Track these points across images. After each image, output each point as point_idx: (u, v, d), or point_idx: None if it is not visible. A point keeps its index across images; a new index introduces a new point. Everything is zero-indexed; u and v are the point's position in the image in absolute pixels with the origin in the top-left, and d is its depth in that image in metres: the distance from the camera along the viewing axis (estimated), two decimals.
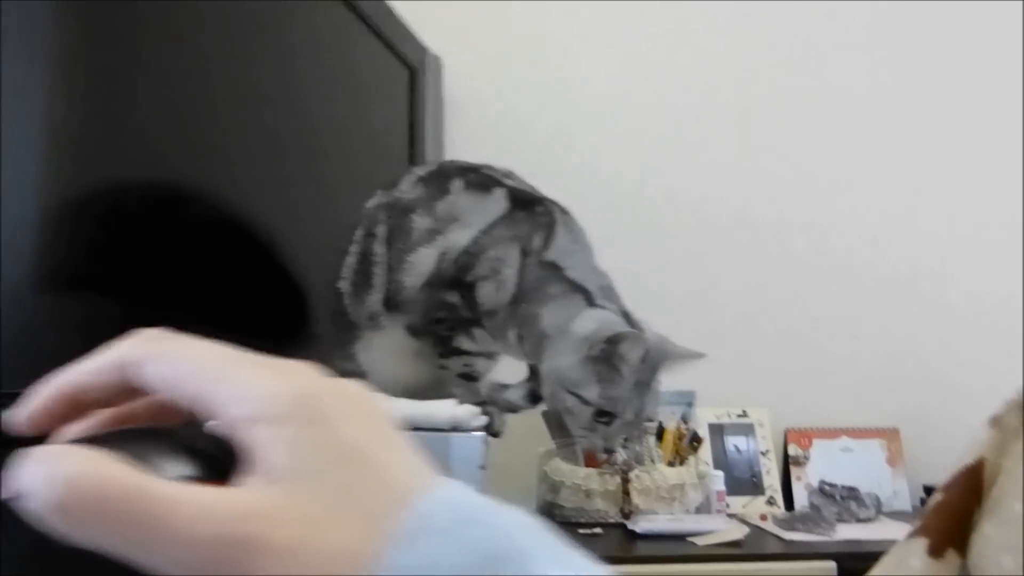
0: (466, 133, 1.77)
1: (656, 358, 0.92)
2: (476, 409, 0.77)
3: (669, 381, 1.62)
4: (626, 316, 0.92)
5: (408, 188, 0.95)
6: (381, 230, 0.93)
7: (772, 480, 1.61)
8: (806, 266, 1.77)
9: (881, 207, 1.80)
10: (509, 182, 0.98)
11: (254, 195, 1.02)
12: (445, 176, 0.96)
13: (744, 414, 1.66)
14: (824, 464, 1.60)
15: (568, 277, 0.90)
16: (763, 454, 1.63)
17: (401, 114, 1.52)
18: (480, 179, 0.96)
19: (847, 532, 1.36)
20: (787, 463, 1.64)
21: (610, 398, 0.86)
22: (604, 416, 0.87)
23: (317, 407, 0.28)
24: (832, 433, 1.65)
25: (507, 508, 0.28)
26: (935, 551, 0.80)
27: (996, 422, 0.83)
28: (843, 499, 1.43)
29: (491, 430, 0.90)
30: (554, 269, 0.90)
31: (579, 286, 0.90)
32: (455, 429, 0.75)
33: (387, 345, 0.94)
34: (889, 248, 1.78)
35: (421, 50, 1.56)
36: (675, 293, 1.75)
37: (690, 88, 1.81)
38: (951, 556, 0.80)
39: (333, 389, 0.29)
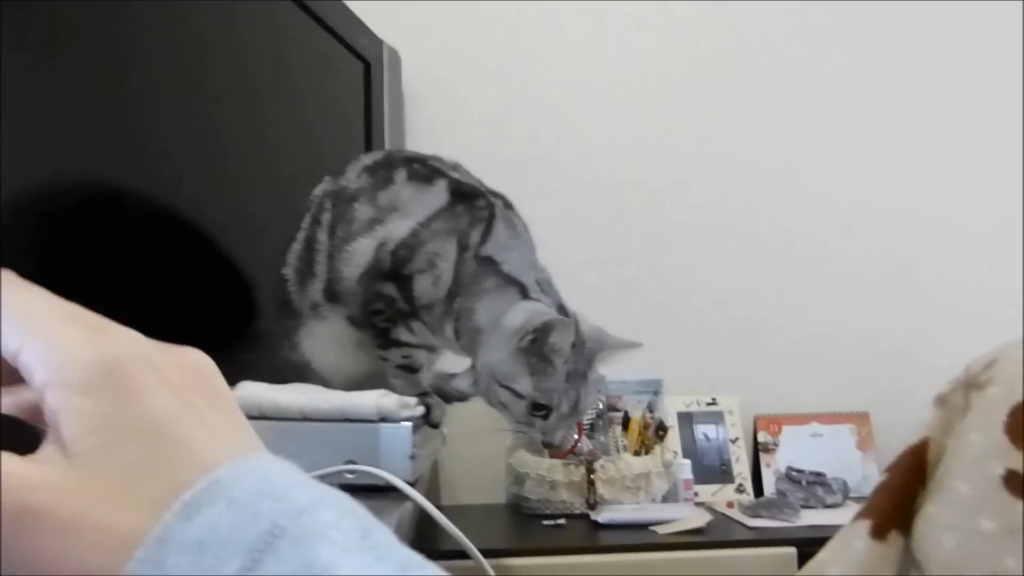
0: (426, 125, 1.76)
1: (590, 348, 0.90)
2: (406, 400, 0.76)
3: (636, 370, 1.62)
4: (560, 308, 0.90)
5: (354, 177, 0.94)
6: (326, 218, 0.92)
7: (742, 467, 1.60)
8: (775, 254, 1.76)
9: (850, 194, 1.79)
10: (454, 174, 0.96)
11: (209, 193, 1.01)
12: (390, 166, 0.95)
13: (714, 402, 1.65)
14: (793, 450, 1.59)
15: (504, 271, 0.89)
16: (733, 442, 1.62)
17: (357, 108, 1.50)
18: (424, 170, 0.95)
19: (812, 518, 1.35)
20: (757, 450, 1.62)
21: (544, 390, 0.85)
22: (540, 409, 0.86)
23: (122, 376, 0.27)
24: (802, 419, 1.64)
25: (322, 487, 0.27)
26: (878, 533, 0.79)
27: (942, 401, 0.82)
28: (809, 484, 1.41)
29: (430, 421, 0.89)
30: (490, 264, 0.89)
31: (514, 280, 0.89)
32: (383, 419, 0.73)
33: (329, 335, 0.93)
34: (858, 234, 1.78)
35: (377, 43, 1.55)
36: (643, 282, 1.74)
37: (653, 76, 1.79)
38: (894, 537, 0.78)
39: (147, 358, 0.28)
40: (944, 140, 1.81)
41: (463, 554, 0.94)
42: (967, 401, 0.79)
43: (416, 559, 0.26)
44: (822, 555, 0.83)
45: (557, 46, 1.79)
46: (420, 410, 0.81)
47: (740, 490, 1.57)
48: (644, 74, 1.79)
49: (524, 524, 1.39)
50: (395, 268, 0.88)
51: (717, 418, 1.64)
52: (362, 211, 0.90)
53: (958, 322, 1.72)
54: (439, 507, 1.66)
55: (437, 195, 0.92)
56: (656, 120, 1.78)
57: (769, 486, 1.56)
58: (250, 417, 0.78)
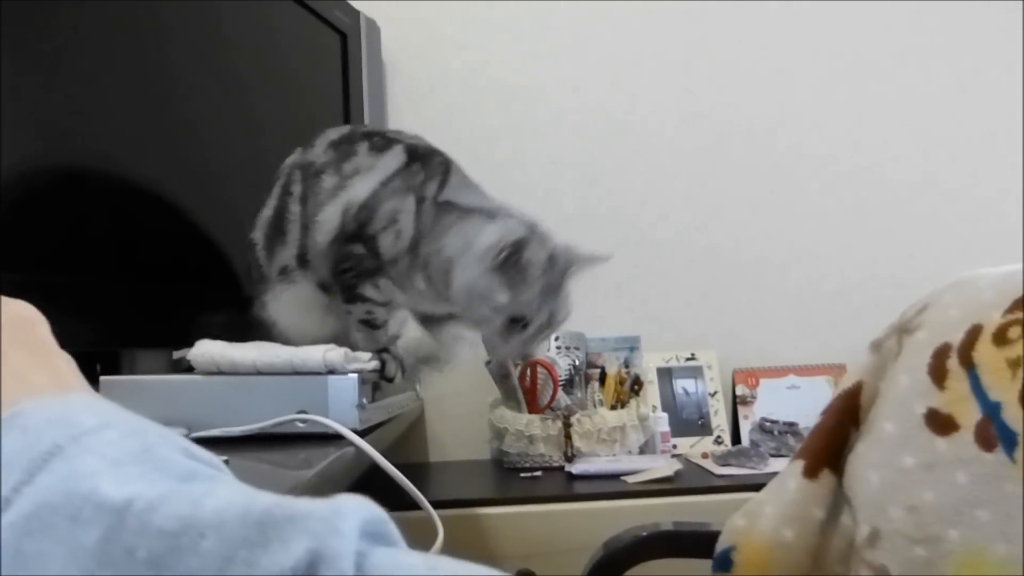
0: (407, 94, 1.78)
1: (564, 261, 0.94)
2: (353, 354, 0.79)
3: (615, 328, 1.66)
4: (531, 226, 0.94)
5: (320, 152, 0.98)
6: (296, 189, 0.96)
7: (720, 420, 1.63)
8: (750, 207, 1.78)
9: (825, 146, 1.80)
10: (411, 141, 1.00)
11: (187, 165, 1.05)
12: (351, 140, 0.99)
13: (693, 357, 1.68)
14: (770, 402, 1.62)
15: (464, 205, 0.93)
16: (711, 395, 1.65)
17: (335, 79, 1.52)
18: (382, 141, 0.98)
19: (781, 466, 1.37)
20: (735, 403, 1.66)
21: (521, 302, 0.89)
22: (517, 322, 0.90)
23: None
24: (779, 372, 1.66)
25: (126, 416, 0.29)
26: (810, 472, 0.82)
27: (877, 346, 0.85)
28: (781, 434, 1.45)
29: (385, 375, 0.92)
30: (449, 205, 0.92)
31: (475, 208, 0.93)
32: (331, 372, 0.77)
33: (297, 299, 0.96)
34: (834, 185, 1.79)
35: (353, 14, 1.57)
36: (621, 240, 1.76)
37: (638, 26, 1.80)
38: (825, 476, 0.82)
39: None
40: (924, 90, 1.81)
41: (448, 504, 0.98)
42: (900, 346, 0.82)
43: (204, 471, 0.28)
44: (761, 494, 0.86)
45: (535, 10, 1.80)
46: (369, 363, 0.84)
47: (718, 442, 1.61)
48: (632, 29, 1.80)
49: (504, 477, 1.43)
50: (359, 228, 0.91)
51: (696, 373, 1.67)
52: (328, 181, 0.94)
53: (935, 275, 1.73)
54: (426, 464, 1.71)
55: (394, 157, 0.95)
56: (639, 71, 1.79)
57: (747, 438, 1.59)
58: (206, 372, 0.81)
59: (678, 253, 1.77)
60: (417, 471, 1.55)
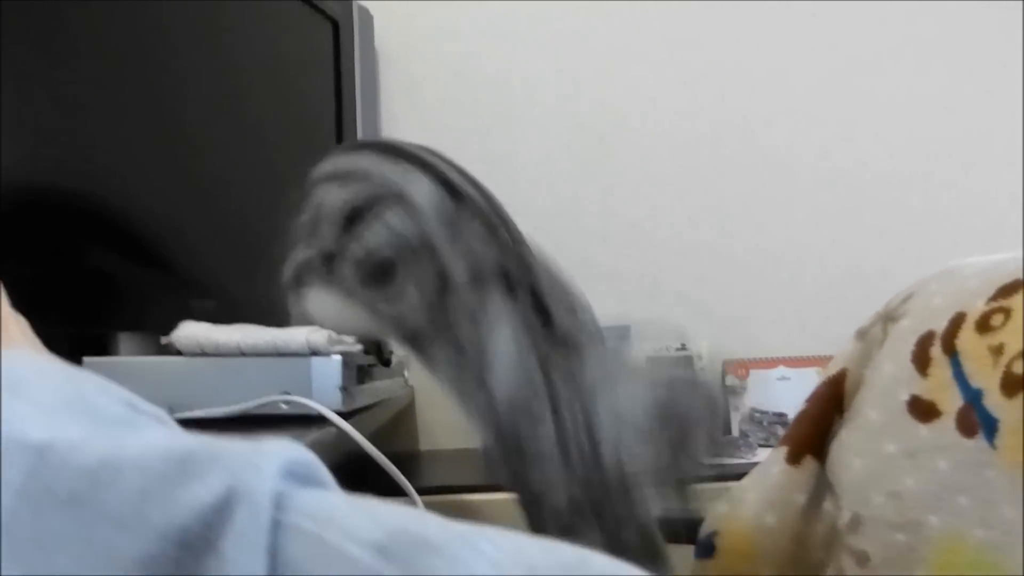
0: (401, 85, 1.77)
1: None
2: (336, 336, 0.79)
3: (605, 318, 1.65)
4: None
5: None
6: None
7: None
8: (743, 197, 1.78)
9: (818, 139, 1.80)
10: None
11: (174, 149, 1.04)
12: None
13: (683, 347, 1.68)
14: (760, 393, 1.62)
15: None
16: None
17: (327, 69, 1.52)
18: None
19: None
20: (725, 394, 1.66)
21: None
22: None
23: None
24: (769, 363, 1.67)
25: (66, 373, 0.30)
26: (792, 458, 0.83)
27: (862, 334, 0.85)
28: (770, 425, 1.45)
29: (382, 359, 0.92)
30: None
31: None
32: (314, 353, 0.77)
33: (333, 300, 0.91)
34: (826, 176, 1.79)
35: (346, 3, 1.56)
36: (613, 229, 1.77)
37: (633, 19, 1.80)
38: (808, 462, 0.82)
39: None
40: (916, 80, 1.81)
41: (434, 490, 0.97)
42: (884, 334, 0.82)
43: (143, 420, 0.28)
44: (744, 481, 0.87)
45: (531, 1, 1.79)
46: (354, 346, 0.84)
47: None
48: (622, 14, 1.79)
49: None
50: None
51: (687, 363, 1.67)
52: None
53: (926, 268, 1.73)
54: (417, 452, 1.71)
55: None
56: (630, 63, 1.79)
57: (736, 428, 1.59)
58: (190, 354, 0.81)
59: (670, 244, 1.77)
60: (408, 459, 1.55)
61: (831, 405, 0.82)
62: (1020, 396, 0.63)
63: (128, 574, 0.21)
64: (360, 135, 1.58)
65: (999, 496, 0.64)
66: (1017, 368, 0.65)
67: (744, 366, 1.67)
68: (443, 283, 0.67)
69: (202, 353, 0.79)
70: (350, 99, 1.57)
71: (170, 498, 0.22)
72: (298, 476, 0.25)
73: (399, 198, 0.69)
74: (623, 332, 1.62)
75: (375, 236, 0.69)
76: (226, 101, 1.15)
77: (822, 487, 0.81)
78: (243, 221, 1.19)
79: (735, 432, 1.58)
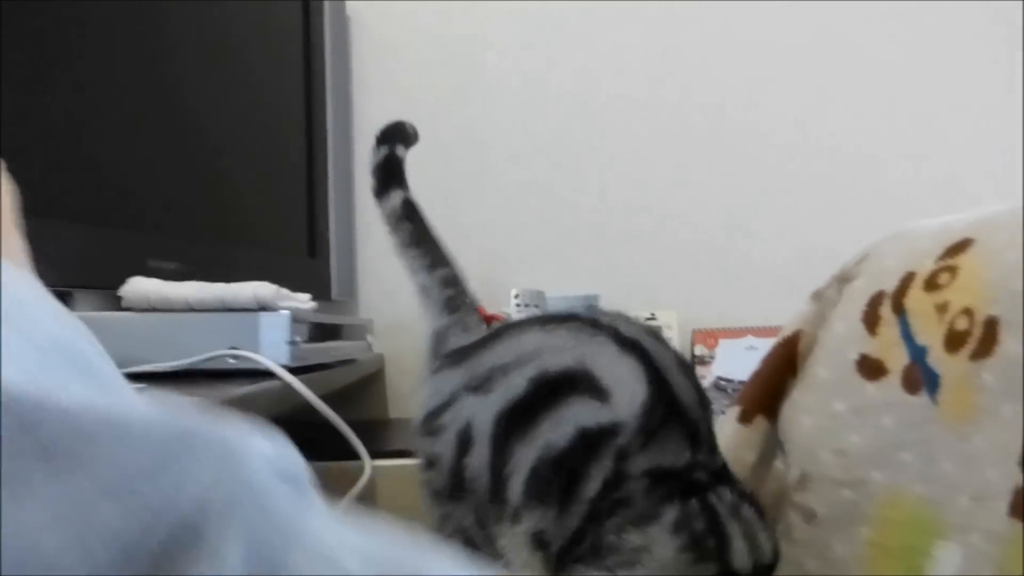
0: (372, 52, 1.76)
1: None
2: (285, 292, 0.78)
3: (575, 286, 1.66)
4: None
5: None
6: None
7: None
8: (712, 168, 1.78)
9: (791, 110, 1.79)
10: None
11: (139, 109, 1.02)
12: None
13: (652, 317, 1.68)
14: (728, 362, 1.63)
15: None
16: None
17: (295, 33, 1.50)
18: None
19: None
20: (693, 362, 1.66)
21: None
22: None
23: None
24: (738, 332, 1.67)
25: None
26: (744, 417, 0.83)
27: (817, 296, 0.85)
28: (735, 392, 1.45)
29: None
30: None
31: None
32: (262, 308, 0.76)
33: None
34: (795, 149, 1.79)
35: None
36: (583, 199, 1.76)
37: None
38: (759, 422, 0.82)
39: None
40: (883, 58, 1.80)
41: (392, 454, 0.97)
42: (839, 295, 0.82)
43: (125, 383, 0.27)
44: None
45: None
46: (305, 302, 0.84)
47: None
48: None
49: None
50: None
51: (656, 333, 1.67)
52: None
53: None
54: (386, 420, 1.70)
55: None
56: (601, 35, 1.78)
57: None
58: (140, 309, 0.80)
59: (640, 214, 1.76)
60: (375, 425, 1.55)
61: (784, 366, 0.83)
62: (962, 352, 0.64)
63: (104, 545, 0.19)
64: (329, 102, 1.56)
65: (939, 451, 0.64)
66: (960, 324, 0.65)
67: (713, 336, 1.67)
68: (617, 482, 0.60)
69: (152, 308, 0.78)
70: (319, 65, 1.55)
71: (171, 478, 0.20)
72: (283, 474, 0.23)
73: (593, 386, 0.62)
74: (592, 301, 1.62)
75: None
76: (193, 66, 1.13)
77: (773, 446, 0.81)
78: (210, 185, 1.18)
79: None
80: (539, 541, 0.60)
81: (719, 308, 1.72)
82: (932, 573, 0.61)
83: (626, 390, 0.61)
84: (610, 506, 0.59)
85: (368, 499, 0.79)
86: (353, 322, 1.41)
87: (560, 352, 0.63)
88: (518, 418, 0.60)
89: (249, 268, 0.99)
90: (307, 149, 1.47)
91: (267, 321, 0.76)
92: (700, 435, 0.65)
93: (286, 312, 0.76)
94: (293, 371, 0.76)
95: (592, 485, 0.59)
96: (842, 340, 0.77)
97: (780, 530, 0.75)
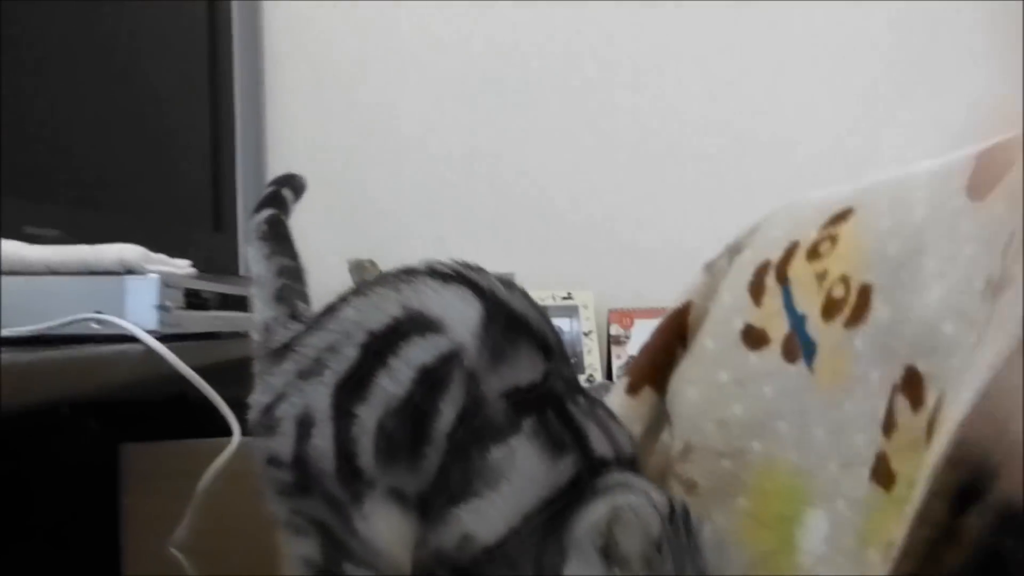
0: (286, 23, 1.70)
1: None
2: (152, 255, 0.75)
3: (490, 265, 1.64)
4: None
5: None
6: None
7: (593, 359, 1.64)
8: (632, 148, 1.77)
9: (701, 90, 1.79)
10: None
11: (22, 71, 0.96)
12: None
13: (569, 296, 1.68)
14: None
15: None
16: (586, 335, 1.65)
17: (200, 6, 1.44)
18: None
19: None
20: (609, 343, 1.66)
21: None
22: None
23: None
24: (653, 312, 1.67)
25: None
26: (632, 389, 0.82)
27: (709, 267, 0.84)
28: None
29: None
30: None
31: None
32: (129, 272, 0.73)
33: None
34: (710, 130, 1.79)
35: None
36: (499, 176, 1.74)
37: None
38: (646, 393, 0.81)
39: None
40: (795, 46, 1.82)
41: None
42: (729, 266, 0.81)
43: None
44: None
45: None
46: (182, 267, 0.80)
47: (590, 380, 1.61)
48: None
49: None
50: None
51: (571, 312, 1.67)
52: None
53: None
54: None
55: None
56: (517, 12, 1.76)
57: (615, 375, 1.60)
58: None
59: (557, 194, 1.75)
60: None
61: (673, 337, 0.82)
62: (837, 319, 0.63)
63: None
64: (237, 71, 1.51)
65: (813, 419, 0.64)
66: (837, 292, 0.64)
67: (629, 316, 1.67)
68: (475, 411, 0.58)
69: (10, 272, 0.74)
70: (225, 32, 1.50)
71: None
72: None
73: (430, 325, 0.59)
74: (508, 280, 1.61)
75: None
76: (85, 22, 1.08)
77: (660, 418, 0.80)
78: (99, 152, 1.13)
79: (615, 378, 1.59)
80: (399, 497, 0.58)
81: (635, 288, 1.72)
82: (801, 542, 0.61)
83: (457, 311, 0.59)
84: (471, 436, 0.57)
85: (240, 476, 0.76)
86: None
87: (380, 308, 0.61)
88: (355, 385, 0.58)
89: (142, 239, 0.94)
90: (212, 118, 1.42)
91: (134, 285, 0.73)
92: (549, 343, 0.63)
93: (154, 276, 0.73)
94: (168, 339, 0.72)
95: (445, 420, 0.57)
96: (729, 310, 0.76)
97: None
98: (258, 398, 0.62)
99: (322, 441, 0.58)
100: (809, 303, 0.67)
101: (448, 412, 0.57)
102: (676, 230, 1.76)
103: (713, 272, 0.83)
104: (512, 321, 0.61)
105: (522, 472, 0.56)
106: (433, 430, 0.57)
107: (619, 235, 1.75)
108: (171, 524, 0.78)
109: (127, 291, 0.72)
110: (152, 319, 0.72)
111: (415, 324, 0.59)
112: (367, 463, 0.57)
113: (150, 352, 0.69)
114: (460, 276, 0.63)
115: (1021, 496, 0.33)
